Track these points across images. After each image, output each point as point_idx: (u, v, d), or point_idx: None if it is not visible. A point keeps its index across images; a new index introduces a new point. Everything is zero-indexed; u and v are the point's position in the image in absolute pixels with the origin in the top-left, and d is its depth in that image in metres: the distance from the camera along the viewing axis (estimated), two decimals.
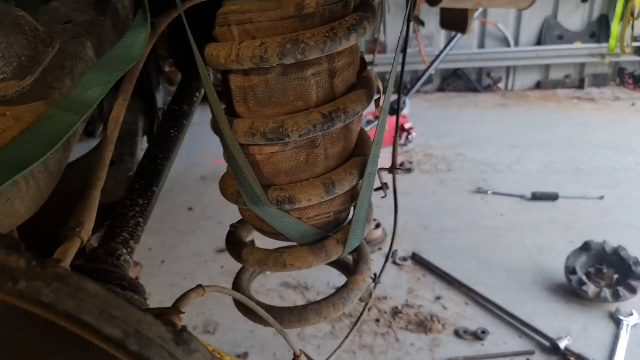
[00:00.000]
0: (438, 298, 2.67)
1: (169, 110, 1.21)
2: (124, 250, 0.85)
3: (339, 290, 1.05)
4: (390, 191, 1.08)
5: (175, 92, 1.29)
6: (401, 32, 0.92)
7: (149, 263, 2.98)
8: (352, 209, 0.98)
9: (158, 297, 2.72)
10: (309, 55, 0.75)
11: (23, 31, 0.76)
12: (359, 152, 0.96)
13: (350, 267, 1.16)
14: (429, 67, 5.70)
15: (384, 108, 0.89)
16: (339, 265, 1.20)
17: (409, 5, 0.95)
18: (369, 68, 0.96)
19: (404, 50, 1.02)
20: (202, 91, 1.33)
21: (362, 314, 1.16)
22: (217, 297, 2.59)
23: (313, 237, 0.92)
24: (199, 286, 0.70)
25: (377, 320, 2.52)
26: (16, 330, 0.41)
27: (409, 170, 4.43)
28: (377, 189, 1.10)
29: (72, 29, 0.89)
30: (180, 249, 3.21)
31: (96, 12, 0.95)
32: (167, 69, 1.85)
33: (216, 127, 0.85)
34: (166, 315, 0.55)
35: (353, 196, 0.96)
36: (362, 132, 1.02)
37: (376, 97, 0.93)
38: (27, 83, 0.73)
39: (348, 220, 1.01)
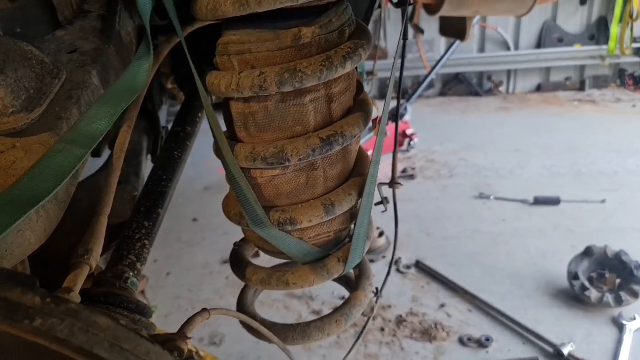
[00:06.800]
0: (442, 306, 2.69)
1: (172, 132, 1.24)
2: (131, 273, 0.88)
3: (342, 307, 1.07)
4: (391, 204, 1.10)
5: (178, 112, 1.32)
6: (399, 40, 0.95)
7: (155, 275, 3.01)
8: (352, 226, 1.01)
9: (164, 309, 2.74)
10: (306, 83, 0.77)
11: (31, 65, 0.79)
12: (357, 171, 0.98)
13: (353, 282, 1.19)
14: (430, 72, 5.73)
15: (381, 130, 0.92)
16: (342, 280, 1.23)
17: (405, 17, 0.98)
18: (369, 79, 0.99)
19: (402, 58, 1.05)
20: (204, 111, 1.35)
21: (364, 328, 1.19)
22: None
23: (314, 256, 0.95)
24: (204, 310, 0.72)
25: (382, 329, 2.53)
26: None
27: (411, 177, 4.45)
28: (378, 204, 1.12)
29: (78, 58, 0.92)
30: (186, 261, 3.24)
31: (101, 40, 0.97)
32: (169, 86, 1.88)
33: (218, 151, 0.87)
34: (173, 342, 0.58)
35: (353, 215, 0.98)
36: (361, 151, 1.04)
37: (374, 117, 0.96)
38: (35, 115, 0.76)
39: (349, 237, 1.04)
